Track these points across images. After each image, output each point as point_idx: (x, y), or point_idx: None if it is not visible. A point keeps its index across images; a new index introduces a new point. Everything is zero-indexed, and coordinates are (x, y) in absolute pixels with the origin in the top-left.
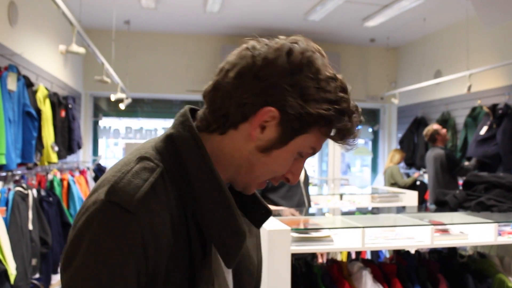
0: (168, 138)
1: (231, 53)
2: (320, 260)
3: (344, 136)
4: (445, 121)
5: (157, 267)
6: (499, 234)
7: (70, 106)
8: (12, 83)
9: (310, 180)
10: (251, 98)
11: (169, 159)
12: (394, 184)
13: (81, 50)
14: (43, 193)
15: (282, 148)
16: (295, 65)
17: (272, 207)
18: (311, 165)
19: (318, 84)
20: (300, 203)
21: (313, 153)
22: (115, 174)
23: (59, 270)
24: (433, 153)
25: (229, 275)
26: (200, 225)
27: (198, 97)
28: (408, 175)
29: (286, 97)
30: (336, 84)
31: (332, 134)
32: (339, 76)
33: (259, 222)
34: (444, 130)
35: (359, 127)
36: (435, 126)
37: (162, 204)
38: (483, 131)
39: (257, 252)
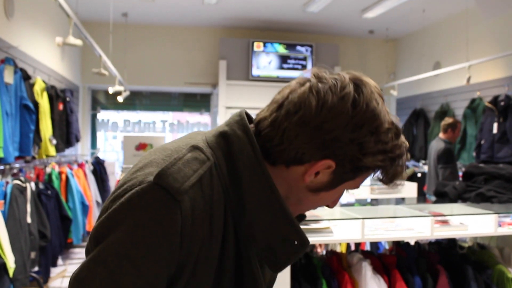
0: (222, 135)
1: (291, 85)
2: (319, 250)
3: (393, 179)
4: (444, 112)
5: (188, 258)
6: (499, 225)
7: (68, 99)
8: (9, 76)
9: None
10: (311, 149)
11: (220, 155)
12: None
13: (78, 42)
14: (41, 186)
15: (331, 190)
16: (359, 121)
17: None
18: None
19: (378, 138)
20: None
21: (356, 188)
22: (165, 159)
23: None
24: (436, 145)
25: None
26: (238, 225)
27: (196, 89)
28: (407, 167)
29: (346, 151)
30: (392, 133)
31: (381, 177)
32: (395, 120)
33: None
34: (459, 127)
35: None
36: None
37: (206, 197)
38: (495, 128)
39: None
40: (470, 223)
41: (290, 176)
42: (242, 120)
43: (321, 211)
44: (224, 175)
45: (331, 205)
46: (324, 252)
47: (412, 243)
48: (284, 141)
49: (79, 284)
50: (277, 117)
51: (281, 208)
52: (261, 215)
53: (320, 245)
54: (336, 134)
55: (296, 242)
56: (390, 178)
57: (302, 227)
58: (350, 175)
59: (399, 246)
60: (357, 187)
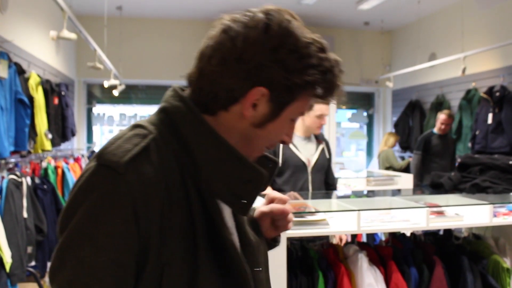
0: (161, 110)
1: (208, 35)
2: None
3: (331, 91)
4: (440, 104)
5: (150, 228)
6: (494, 216)
7: (63, 93)
8: (3, 71)
9: None
10: (239, 82)
11: (163, 128)
12: (389, 168)
13: (73, 35)
14: (37, 181)
15: (276, 120)
16: (275, 41)
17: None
18: None
19: (299, 53)
20: (304, 188)
21: (302, 115)
22: (108, 141)
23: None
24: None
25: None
26: (201, 186)
27: None
28: (403, 158)
29: (272, 74)
30: (315, 47)
31: (319, 93)
32: (316, 36)
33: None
34: (440, 116)
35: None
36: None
37: (154, 166)
38: (490, 119)
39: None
40: (466, 213)
41: (232, 119)
42: (175, 91)
43: (317, 203)
44: (172, 144)
45: (286, 139)
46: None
47: (408, 234)
48: (213, 85)
49: (53, 275)
50: (201, 67)
51: (229, 151)
52: (215, 166)
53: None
54: (257, 60)
55: (253, 178)
56: (326, 92)
57: (298, 219)
58: (286, 97)
59: (395, 237)
60: (302, 113)
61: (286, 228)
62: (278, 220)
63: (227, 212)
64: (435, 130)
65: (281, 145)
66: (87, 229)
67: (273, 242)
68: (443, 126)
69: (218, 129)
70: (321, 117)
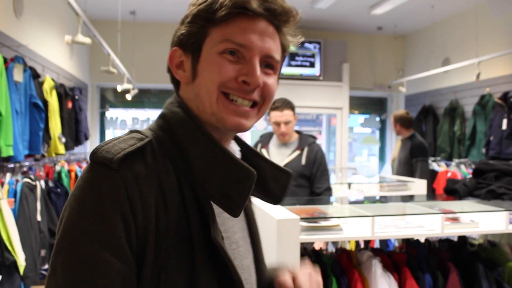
0: (160, 117)
1: None
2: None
3: (243, 3)
4: (454, 109)
5: (146, 227)
6: (510, 222)
7: (76, 97)
8: (18, 75)
9: None
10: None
11: (160, 133)
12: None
13: (87, 40)
14: (51, 184)
15: (200, 62)
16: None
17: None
18: None
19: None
20: None
21: (239, 45)
22: (103, 142)
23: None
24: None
25: (252, 262)
26: (196, 188)
27: None
28: None
29: (176, 33)
30: None
31: (220, 15)
32: None
33: (283, 191)
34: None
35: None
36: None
37: (148, 166)
38: (504, 125)
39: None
40: (481, 220)
41: (183, 90)
42: (175, 98)
43: (330, 209)
44: (168, 148)
45: (248, 79)
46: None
47: (422, 240)
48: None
49: (47, 284)
50: None
51: (222, 151)
52: (207, 166)
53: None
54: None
55: (244, 178)
56: (227, 11)
57: (311, 224)
58: (189, 38)
59: (409, 243)
60: (230, 41)
61: None
62: None
63: (237, 224)
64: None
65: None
66: (85, 226)
67: None
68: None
69: (188, 104)
70: (277, 124)
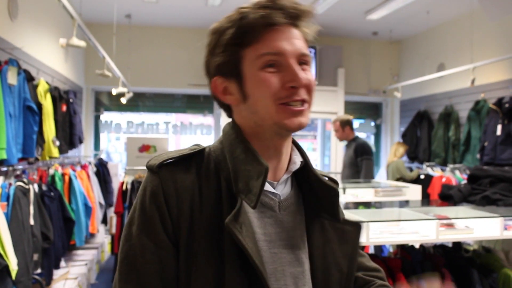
0: (220, 137)
1: None
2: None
3: (268, 17)
4: (448, 114)
5: (180, 220)
6: (505, 229)
7: (71, 100)
8: (12, 77)
9: None
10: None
11: (217, 143)
12: (400, 179)
13: (82, 43)
14: (44, 188)
15: (246, 84)
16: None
17: None
18: (313, 159)
19: (218, 30)
20: None
21: (277, 54)
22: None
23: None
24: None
25: (303, 274)
26: (232, 187)
27: (200, 91)
28: (410, 169)
29: (209, 64)
30: (232, 16)
31: (255, 21)
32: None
33: (333, 208)
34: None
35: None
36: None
37: (190, 172)
38: (499, 130)
39: (348, 262)
40: (476, 226)
41: (235, 116)
42: (231, 121)
43: None
44: (218, 154)
45: (295, 84)
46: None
47: (417, 246)
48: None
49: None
50: None
51: (248, 149)
52: (239, 165)
53: None
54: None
55: (259, 171)
56: (257, 21)
57: None
58: (229, 64)
59: (403, 249)
60: (270, 53)
61: None
62: None
63: (285, 232)
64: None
65: None
66: (134, 218)
67: None
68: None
69: (242, 127)
70: None
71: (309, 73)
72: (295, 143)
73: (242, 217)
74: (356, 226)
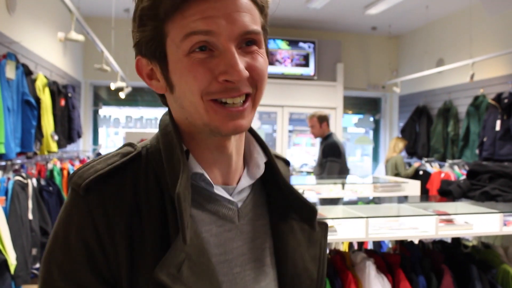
0: (158, 125)
1: None
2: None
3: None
4: (447, 110)
5: (117, 253)
6: (504, 224)
7: (69, 95)
8: (10, 72)
9: (312, 170)
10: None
11: (154, 142)
12: (396, 175)
13: (80, 37)
14: (43, 182)
15: (170, 71)
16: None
17: None
18: (312, 154)
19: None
20: None
21: (208, 33)
22: (88, 161)
23: None
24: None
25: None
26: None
27: None
28: (409, 165)
29: (133, 37)
30: None
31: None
32: None
33: (310, 221)
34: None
35: None
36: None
37: (120, 187)
38: (498, 126)
39: (318, 265)
40: (475, 222)
41: (170, 105)
42: (168, 111)
43: (324, 209)
44: (157, 158)
45: (228, 77)
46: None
47: (416, 242)
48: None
49: None
50: None
51: (177, 159)
52: (174, 175)
53: None
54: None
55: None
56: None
57: None
58: (149, 45)
59: (402, 245)
60: (192, 33)
61: None
62: None
63: (248, 244)
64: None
65: None
66: (53, 246)
67: None
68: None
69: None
70: None
71: (258, 56)
72: (255, 136)
73: (183, 252)
74: (323, 226)
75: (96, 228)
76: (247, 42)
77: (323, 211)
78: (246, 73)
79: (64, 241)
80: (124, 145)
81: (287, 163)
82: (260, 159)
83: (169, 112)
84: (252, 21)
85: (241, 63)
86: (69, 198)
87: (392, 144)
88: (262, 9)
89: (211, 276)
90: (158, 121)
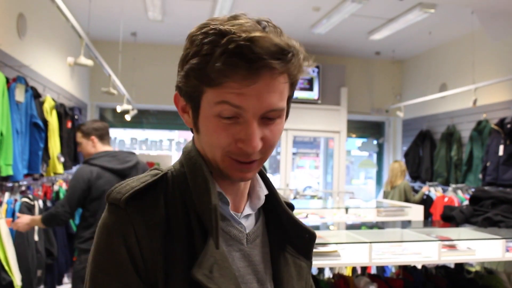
0: (182, 152)
1: None
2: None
3: (231, 64)
4: (451, 134)
5: (155, 259)
6: (507, 250)
7: (76, 117)
8: (20, 95)
9: (315, 193)
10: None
11: (178, 166)
12: (406, 201)
13: (89, 62)
14: (49, 204)
15: (200, 120)
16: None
17: None
18: (315, 177)
19: (186, 46)
20: None
21: (237, 107)
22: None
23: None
24: None
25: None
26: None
27: None
28: (413, 189)
29: (177, 75)
30: (206, 38)
31: (219, 70)
32: (216, 24)
33: (306, 250)
34: None
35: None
36: None
37: (154, 201)
38: (501, 151)
39: None
40: (478, 247)
41: (195, 137)
42: (192, 140)
43: (328, 234)
44: (182, 180)
45: (242, 146)
46: (331, 275)
47: (419, 266)
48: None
49: None
50: None
51: (204, 179)
52: (198, 196)
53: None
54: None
55: (211, 209)
56: (225, 68)
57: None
58: (190, 91)
59: (406, 270)
60: (225, 102)
61: None
62: None
63: (252, 266)
64: None
65: None
66: (98, 261)
67: None
68: None
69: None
70: None
71: (275, 129)
72: (260, 173)
73: (212, 257)
74: (307, 263)
75: (137, 237)
76: (268, 117)
77: (327, 235)
78: (259, 146)
79: (108, 249)
80: (152, 169)
81: (291, 207)
82: (262, 192)
83: (193, 140)
84: (279, 99)
85: (258, 135)
86: (108, 213)
87: (398, 169)
88: (293, 84)
89: (234, 279)
90: (167, 143)
